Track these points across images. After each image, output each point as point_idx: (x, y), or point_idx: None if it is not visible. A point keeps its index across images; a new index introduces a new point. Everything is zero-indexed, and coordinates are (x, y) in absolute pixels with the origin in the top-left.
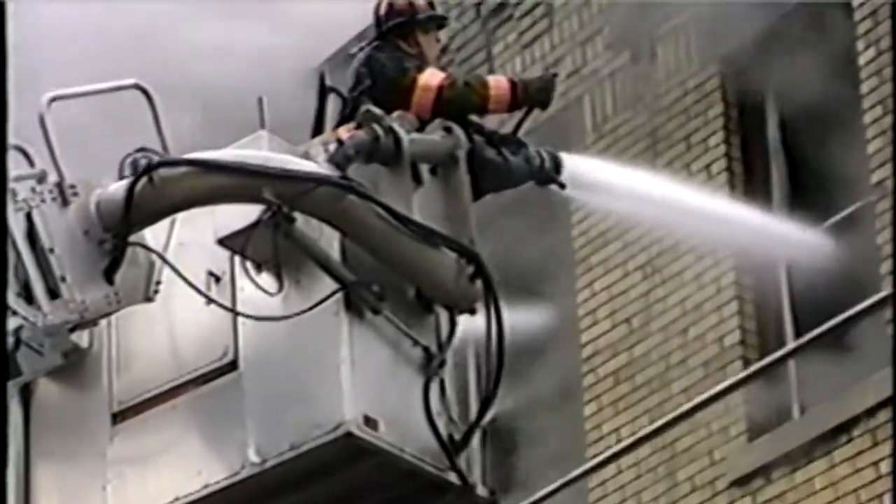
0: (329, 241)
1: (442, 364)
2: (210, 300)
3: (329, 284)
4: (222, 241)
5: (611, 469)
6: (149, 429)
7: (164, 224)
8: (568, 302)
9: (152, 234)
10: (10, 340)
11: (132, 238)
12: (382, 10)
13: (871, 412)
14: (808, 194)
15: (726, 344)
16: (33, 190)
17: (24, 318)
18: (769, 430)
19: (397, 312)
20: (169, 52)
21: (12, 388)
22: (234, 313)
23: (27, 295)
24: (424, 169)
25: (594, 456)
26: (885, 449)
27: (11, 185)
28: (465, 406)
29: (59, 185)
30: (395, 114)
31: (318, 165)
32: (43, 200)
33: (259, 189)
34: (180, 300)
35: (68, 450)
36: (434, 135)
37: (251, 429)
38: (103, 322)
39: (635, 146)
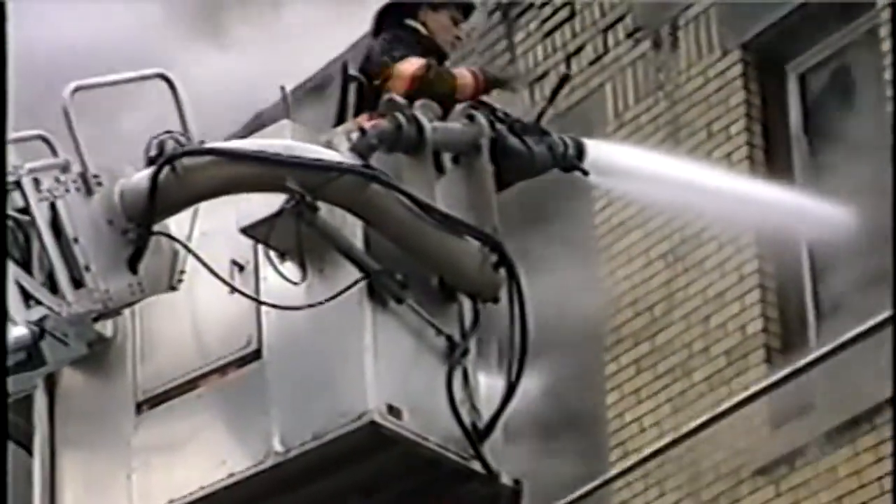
0: (352, 229)
1: (465, 352)
2: (234, 289)
3: (352, 273)
4: (246, 231)
5: (634, 459)
6: (173, 418)
7: (187, 213)
8: (590, 290)
9: (176, 224)
10: (35, 330)
11: (156, 227)
12: None
13: (895, 400)
14: (831, 182)
15: (749, 332)
16: (57, 180)
17: (49, 308)
18: (793, 418)
19: (420, 301)
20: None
21: (37, 378)
22: (258, 302)
23: (51, 285)
24: (447, 157)
25: (617, 445)
26: None
27: (36, 174)
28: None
29: (83, 174)
30: (418, 102)
31: (341, 154)
32: (67, 190)
33: (282, 178)
34: (204, 289)
35: (93, 439)
36: (457, 123)
37: (275, 418)
38: (127, 311)
39: (656, 134)
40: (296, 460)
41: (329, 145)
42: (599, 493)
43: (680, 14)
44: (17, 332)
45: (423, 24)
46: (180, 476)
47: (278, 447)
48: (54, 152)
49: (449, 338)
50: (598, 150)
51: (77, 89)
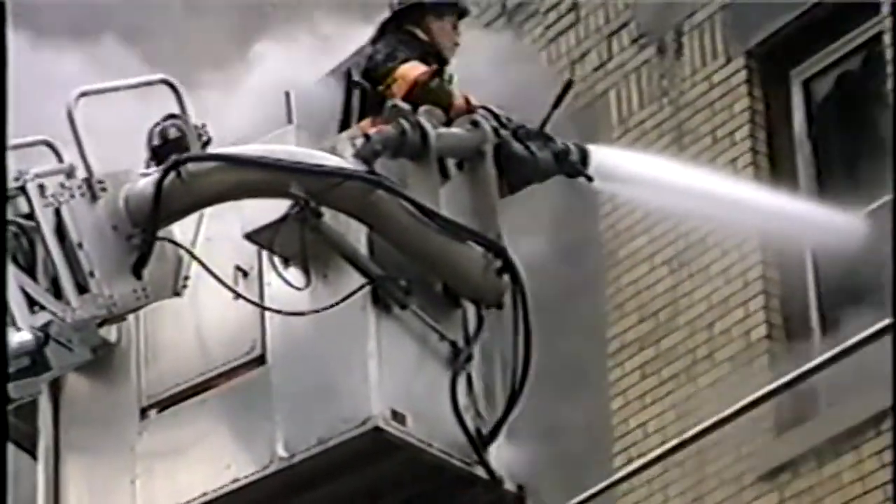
0: (356, 235)
1: (469, 358)
2: (238, 295)
3: (356, 279)
4: (250, 236)
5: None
6: (177, 423)
7: (192, 219)
8: (594, 296)
9: (180, 229)
10: (40, 336)
11: (160, 233)
12: None
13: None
14: (835, 189)
15: (753, 338)
16: (62, 185)
17: (53, 314)
18: (797, 424)
19: (424, 307)
20: None
21: (42, 383)
22: (262, 308)
23: (56, 290)
24: (451, 163)
25: (621, 451)
26: None
27: (41, 180)
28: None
29: (88, 180)
30: (423, 108)
31: (345, 160)
32: (72, 196)
33: (287, 184)
34: (208, 295)
35: (97, 444)
36: (461, 129)
37: (279, 423)
38: (131, 317)
39: (661, 141)
40: (300, 465)
41: (333, 151)
42: (604, 499)
43: (684, 20)
44: (22, 337)
45: (427, 30)
46: (184, 481)
47: (282, 452)
48: (59, 158)
49: (453, 343)
50: (603, 156)
51: (82, 94)
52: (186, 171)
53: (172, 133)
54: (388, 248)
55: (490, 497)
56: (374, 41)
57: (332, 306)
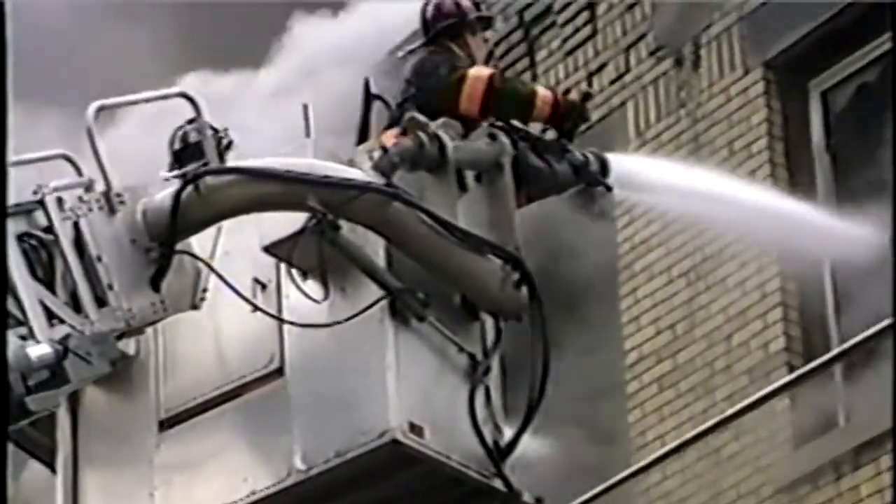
0: (374, 248)
1: (487, 371)
2: (256, 307)
3: (374, 291)
4: (268, 249)
5: (656, 475)
6: (195, 436)
7: (210, 232)
8: (612, 308)
9: (198, 242)
10: (59, 349)
11: (179, 246)
12: (430, 14)
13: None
14: (854, 200)
15: (771, 350)
16: (80, 199)
17: (72, 327)
18: (815, 436)
19: (442, 319)
20: None
21: (61, 396)
22: (280, 321)
23: (75, 303)
24: (469, 175)
25: (642, 468)
26: None
27: (59, 193)
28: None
29: (106, 193)
30: (440, 121)
31: (363, 173)
32: (90, 209)
33: (304, 197)
34: (226, 308)
35: (116, 457)
36: (479, 142)
37: (297, 435)
38: (150, 330)
39: (678, 152)
40: (318, 478)
41: (351, 164)
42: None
43: (702, 32)
44: (41, 350)
45: (465, 45)
46: (202, 494)
47: (300, 465)
48: (78, 171)
49: (471, 356)
50: (622, 165)
51: (101, 109)
52: (204, 185)
53: (193, 136)
54: (406, 260)
55: None
56: (427, 51)
57: (350, 319)
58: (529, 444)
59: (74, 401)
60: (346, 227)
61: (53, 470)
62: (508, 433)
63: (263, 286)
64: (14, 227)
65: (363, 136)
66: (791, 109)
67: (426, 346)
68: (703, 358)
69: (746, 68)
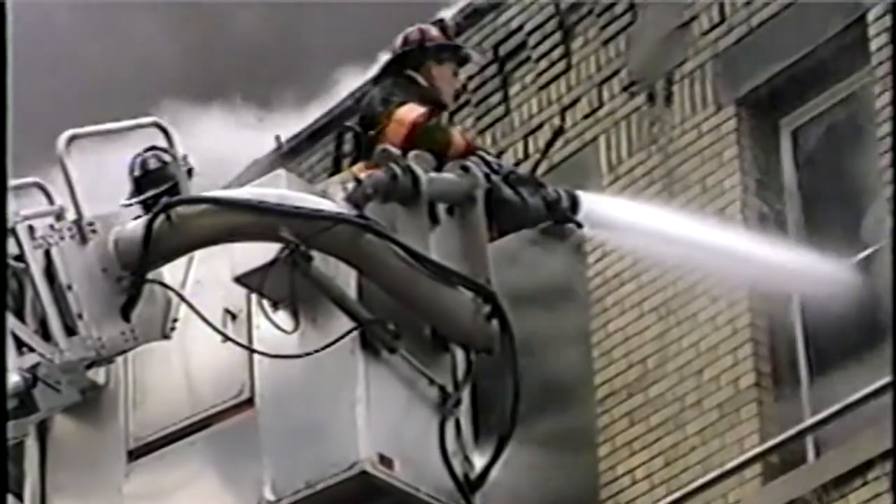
0: (346, 279)
1: (458, 403)
2: (226, 338)
3: (345, 323)
4: (239, 279)
5: None
6: (165, 465)
7: (181, 261)
8: (582, 342)
9: (170, 272)
10: (28, 377)
11: (150, 275)
12: (398, 43)
13: (886, 455)
14: (824, 238)
15: (741, 386)
16: (52, 227)
17: (41, 355)
18: (784, 472)
19: (413, 351)
20: None
21: (29, 424)
22: (251, 351)
23: (44, 332)
24: (441, 208)
25: (608, 497)
26: None
27: (30, 221)
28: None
29: (78, 222)
30: (413, 153)
31: (335, 204)
32: (62, 237)
33: (277, 227)
34: (197, 337)
35: (84, 486)
36: (452, 174)
37: (267, 466)
38: (120, 359)
39: (651, 188)
40: None
41: (324, 195)
42: None
43: (675, 69)
44: (10, 379)
45: (427, 75)
46: None
47: (270, 496)
48: (50, 199)
49: (442, 388)
50: (592, 203)
51: (73, 138)
52: (176, 214)
53: (153, 164)
54: (378, 292)
55: None
56: (374, 82)
57: (320, 350)
58: (499, 476)
59: (43, 429)
60: (317, 258)
61: (21, 499)
62: (479, 465)
63: (234, 316)
64: None
65: (336, 167)
66: (762, 147)
67: (397, 377)
68: (674, 392)
69: (719, 105)
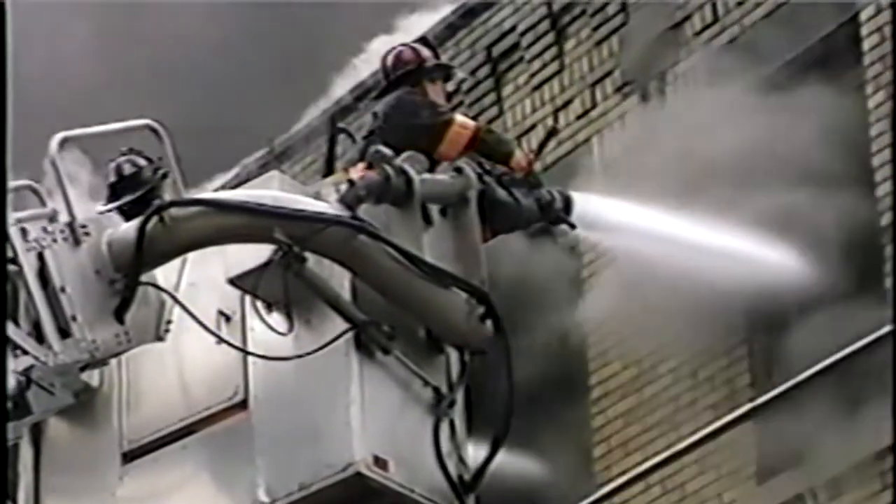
0: (340, 280)
1: (452, 404)
2: (221, 339)
3: (339, 324)
4: (233, 281)
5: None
6: (159, 468)
7: (175, 264)
8: (578, 342)
9: (163, 274)
10: (21, 380)
11: (143, 277)
12: (390, 62)
13: (880, 455)
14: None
15: (737, 386)
16: (45, 229)
17: (35, 358)
18: (779, 472)
19: (407, 352)
20: None
21: (23, 427)
22: (245, 353)
23: (38, 334)
24: (434, 209)
25: (601, 498)
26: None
27: (23, 224)
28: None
29: (71, 224)
30: (405, 154)
31: (329, 206)
32: (55, 240)
33: (270, 229)
34: (191, 339)
35: (78, 488)
36: (445, 175)
37: (261, 468)
38: (114, 361)
39: (644, 189)
40: None
41: (318, 196)
42: None
43: (668, 69)
44: None
45: (423, 91)
46: None
47: (264, 497)
48: (42, 202)
49: (436, 389)
50: (586, 204)
51: (65, 140)
52: (169, 216)
53: (127, 169)
54: (372, 293)
55: None
56: (378, 97)
57: (314, 351)
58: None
59: (37, 432)
60: (311, 259)
61: (15, 502)
62: (473, 465)
63: (228, 318)
64: None
65: (329, 169)
66: None
67: (391, 379)
68: (669, 393)
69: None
